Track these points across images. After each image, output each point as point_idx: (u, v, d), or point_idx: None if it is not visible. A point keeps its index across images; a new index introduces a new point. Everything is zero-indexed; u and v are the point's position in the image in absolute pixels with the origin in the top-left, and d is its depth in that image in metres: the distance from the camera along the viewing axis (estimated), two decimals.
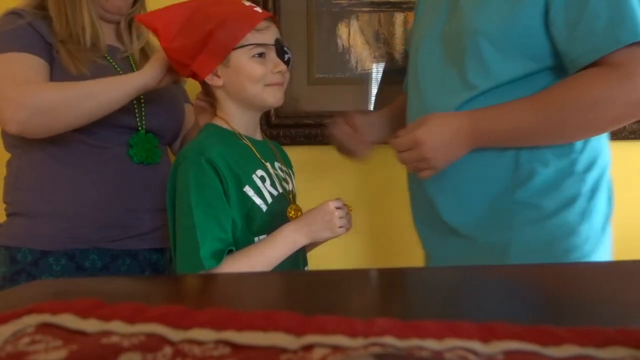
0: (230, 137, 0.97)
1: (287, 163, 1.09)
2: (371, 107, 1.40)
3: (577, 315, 0.44)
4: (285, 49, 0.96)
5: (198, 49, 0.93)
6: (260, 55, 0.94)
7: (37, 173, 1.00)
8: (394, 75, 1.37)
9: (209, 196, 0.88)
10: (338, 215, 0.92)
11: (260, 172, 0.96)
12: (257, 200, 0.93)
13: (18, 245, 0.98)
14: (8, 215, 1.03)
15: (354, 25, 1.39)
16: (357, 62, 1.39)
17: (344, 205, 0.96)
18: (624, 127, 1.38)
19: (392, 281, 0.61)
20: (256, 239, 0.92)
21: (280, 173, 1.02)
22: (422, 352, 0.31)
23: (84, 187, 0.99)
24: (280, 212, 0.97)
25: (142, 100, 1.05)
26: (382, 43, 1.39)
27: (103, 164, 1.01)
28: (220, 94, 0.98)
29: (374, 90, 1.40)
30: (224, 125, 0.98)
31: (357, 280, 0.61)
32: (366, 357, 0.29)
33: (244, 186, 0.92)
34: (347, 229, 0.95)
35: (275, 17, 1.01)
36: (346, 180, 1.38)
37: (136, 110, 1.05)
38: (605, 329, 0.33)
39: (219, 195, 0.88)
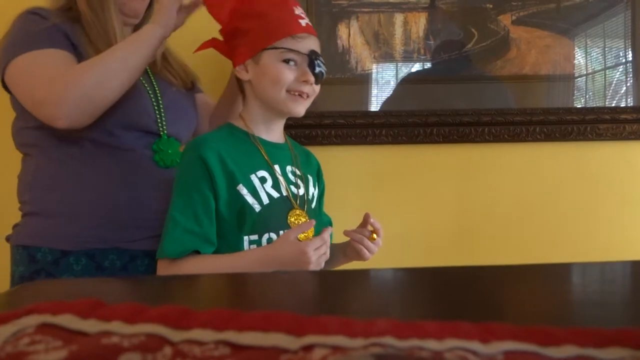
0: (241, 136, 0.99)
1: (308, 169, 1.09)
2: (371, 107, 1.40)
3: (576, 315, 0.44)
4: (317, 62, 0.97)
5: (235, 35, 0.98)
6: (290, 61, 0.95)
7: (57, 172, 1.00)
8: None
9: (192, 190, 0.91)
10: (314, 258, 0.87)
11: (261, 173, 0.97)
12: (250, 200, 0.93)
13: (37, 244, 0.97)
14: (25, 214, 1.03)
15: (354, 25, 1.39)
16: (357, 62, 1.39)
17: (329, 238, 0.92)
18: (624, 127, 1.38)
19: (392, 281, 0.61)
20: (246, 237, 0.93)
21: (291, 177, 1.02)
22: (422, 353, 0.31)
23: (107, 188, 0.99)
24: (280, 215, 0.97)
25: (162, 106, 1.06)
26: (382, 43, 1.39)
27: (126, 166, 1.01)
28: (247, 89, 1.01)
29: (374, 91, 1.40)
30: (241, 125, 1.01)
31: (357, 280, 0.61)
32: (366, 358, 0.29)
33: (238, 184, 0.93)
34: (322, 264, 0.91)
35: (315, 33, 1.01)
36: (346, 180, 1.38)
37: (157, 115, 1.05)
38: (605, 329, 0.33)
39: (201, 191, 0.91)
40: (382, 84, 1.40)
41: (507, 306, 0.47)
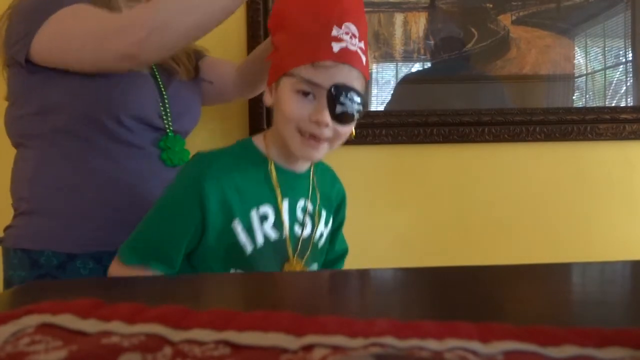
0: (256, 161, 0.86)
1: (325, 202, 0.94)
2: (371, 107, 1.40)
3: (576, 315, 0.44)
4: (343, 99, 0.77)
5: (274, 50, 0.85)
6: (307, 94, 0.78)
7: (62, 169, 0.94)
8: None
9: (176, 216, 0.81)
10: None
11: (264, 209, 0.84)
12: (242, 239, 0.82)
13: (40, 247, 0.92)
14: (21, 213, 0.96)
15: None
16: None
17: None
18: (624, 127, 1.38)
19: (392, 281, 0.61)
20: (232, 270, 0.84)
21: (299, 213, 0.88)
22: (422, 353, 0.31)
23: (115, 187, 0.94)
24: (273, 260, 0.86)
25: (166, 100, 1.01)
26: (382, 43, 1.39)
27: (134, 164, 0.96)
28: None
29: (374, 90, 1.40)
30: (261, 146, 0.87)
31: (357, 280, 0.61)
32: (366, 358, 0.29)
33: (234, 219, 0.81)
34: None
35: (358, 62, 0.80)
36: (346, 180, 1.38)
37: (162, 109, 1.00)
38: (605, 329, 0.33)
39: (185, 222, 0.80)
40: (382, 84, 1.40)
41: (507, 306, 0.47)
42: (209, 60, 1.18)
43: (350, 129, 0.83)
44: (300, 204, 0.89)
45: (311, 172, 0.92)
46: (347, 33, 0.79)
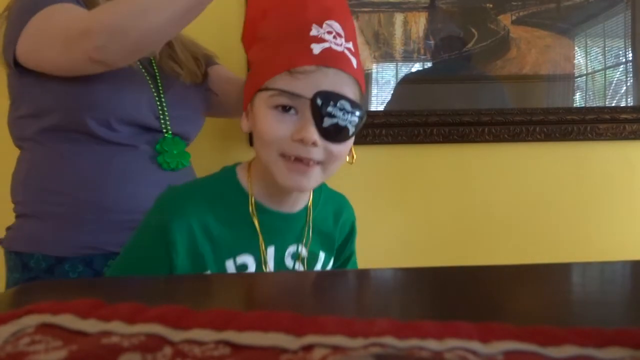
0: (238, 200, 0.72)
1: (324, 240, 0.80)
2: (371, 107, 1.40)
3: (576, 315, 0.44)
4: (329, 110, 0.64)
5: (248, 74, 0.75)
6: (290, 108, 0.65)
7: (52, 171, 0.93)
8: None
9: (142, 258, 0.72)
10: None
11: (242, 258, 0.72)
12: None
13: (30, 250, 0.92)
14: (18, 216, 0.97)
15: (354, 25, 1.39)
16: None
17: None
18: (624, 127, 1.38)
19: (392, 281, 0.61)
20: None
21: (288, 261, 0.76)
22: (422, 353, 0.31)
23: (106, 189, 0.92)
24: None
25: (164, 102, 1.00)
26: (382, 43, 1.39)
27: (126, 165, 0.94)
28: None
29: (374, 90, 1.40)
30: (244, 181, 0.73)
31: (357, 280, 0.61)
32: (366, 358, 0.29)
33: (205, 271, 0.71)
34: None
35: (347, 64, 0.67)
36: (345, 180, 1.38)
37: (160, 112, 0.99)
38: (605, 329, 0.33)
39: (151, 271, 0.71)
40: (382, 84, 1.40)
41: (507, 306, 0.47)
42: (218, 70, 1.16)
43: (347, 148, 0.70)
44: (291, 249, 0.76)
45: (308, 209, 0.77)
46: (329, 32, 0.67)
